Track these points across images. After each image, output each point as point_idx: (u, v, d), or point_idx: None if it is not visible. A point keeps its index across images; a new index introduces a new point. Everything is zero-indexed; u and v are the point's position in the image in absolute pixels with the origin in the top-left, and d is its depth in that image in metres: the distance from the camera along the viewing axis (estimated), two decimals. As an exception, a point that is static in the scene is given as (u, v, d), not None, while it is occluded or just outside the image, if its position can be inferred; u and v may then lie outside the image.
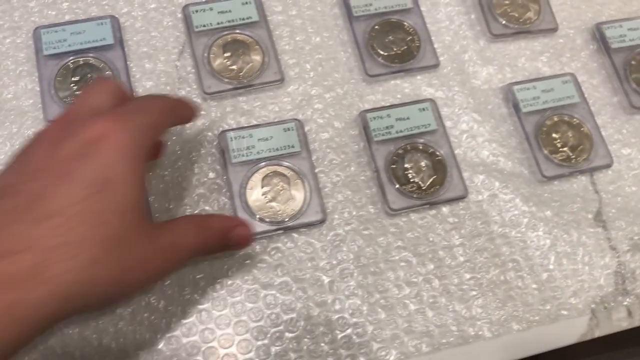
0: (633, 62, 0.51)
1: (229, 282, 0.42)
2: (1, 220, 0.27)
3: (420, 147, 0.46)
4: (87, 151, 0.29)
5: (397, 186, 0.44)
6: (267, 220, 0.43)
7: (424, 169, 0.46)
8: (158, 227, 0.34)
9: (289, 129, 0.45)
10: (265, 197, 0.43)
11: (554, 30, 0.52)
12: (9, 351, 0.27)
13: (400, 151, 0.46)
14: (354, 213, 0.45)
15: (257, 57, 0.48)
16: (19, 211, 0.28)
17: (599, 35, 0.52)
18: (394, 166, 0.45)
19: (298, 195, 0.44)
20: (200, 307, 0.41)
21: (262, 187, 0.44)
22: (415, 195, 0.45)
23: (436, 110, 0.47)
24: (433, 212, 0.45)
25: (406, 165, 0.46)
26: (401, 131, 0.46)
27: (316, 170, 0.45)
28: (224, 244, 0.37)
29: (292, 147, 0.45)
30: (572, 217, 0.46)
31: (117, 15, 0.48)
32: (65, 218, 0.27)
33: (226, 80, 0.47)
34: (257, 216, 0.43)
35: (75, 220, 0.28)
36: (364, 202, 0.45)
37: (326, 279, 0.43)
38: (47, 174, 0.29)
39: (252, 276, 0.42)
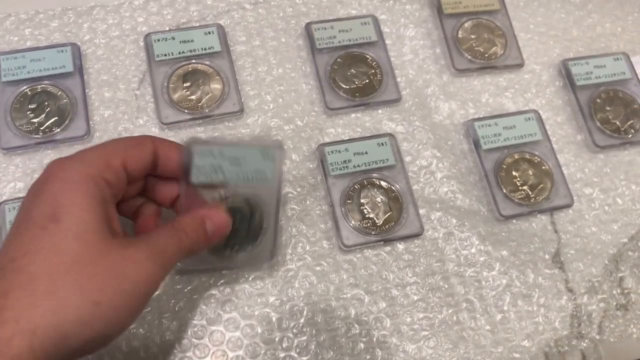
0: (598, 100, 0.51)
1: (174, 317, 0.41)
2: None
3: (377, 183, 0.46)
4: (38, 192, 0.31)
5: (352, 222, 0.44)
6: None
7: (379, 204, 0.45)
8: (131, 241, 0.32)
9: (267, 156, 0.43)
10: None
11: (520, 65, 0.52)
12: None
13: (356, 186, 0.45)
14: (307, 248, 0.44)
15: (217, 88, 0.48)
16: None
17: (564, 72, 0.52)
18: (349, 201, 0.45)
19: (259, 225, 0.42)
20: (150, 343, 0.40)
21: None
22: (370, 232, 0.44)
23: (395, 145, 0.47)
24: (388, 248, 0.45)
25: (362, 201, 0.45)
26: (358, 166, 0.46)
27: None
28: (204, 238, 0.35)
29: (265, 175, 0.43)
30: (529, 257, 0.45)
31: (79, 43, 0.48)
32: (19, 261, 0.29)
33: (184, 110, 0.47)
34: None
35: (27, 260, 0.29)
36: (318, 237, 0.44)
37: (275, 316, 0.42)
38: (12, 232, 0.30)
39: (199, 312, 0.41)
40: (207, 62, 0.48)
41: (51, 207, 0.30)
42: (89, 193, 0.31)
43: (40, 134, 0.45)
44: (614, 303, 0.45)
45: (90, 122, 0.46)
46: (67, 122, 0.46)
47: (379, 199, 0.45)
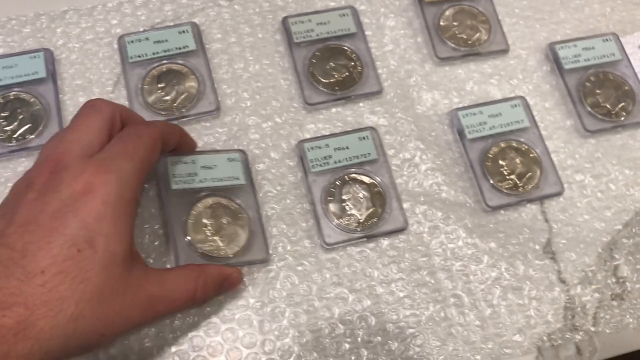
0: (587, 84, 0.49)
1: (153, 324, 0.40)
2: None
3: (359, 178, 0.44)
4: (72, 207, 0.30)
5: (334, 219, 0.43)
6: (209, 255, 0.41)
7: (362, 200, 0.44)
8: (147, 277, 0.34)
9: (233, 159, 0.44)
10: (207, 230, 0.42)
11: (505, 51, 0.50)
12: None
13: (338, 182, 0.44)
14: (289, 248, 0.43)
15: (192, 88, 0.47)
16: (11, 264, 0.29)
17: (552, 56, 0.50)
18: (330, 198, 0.44)
19: (243, 230, 0.42)
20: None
21: (205, 219, 0.42)
22: (353, 229, 0.43)
23: (377, 139, 0.46)
24: (371, 245, 0.43)
25: (344, 197, 0.44)
26: (340, 161, 0.45)
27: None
28: (216, 294, 0.39)
29: (237, 178, 0.43)
30: (519, 248, 0.44)
31: (52, 48, 0.48)
32: (49, 277, 0.29)
33: (159, 111, 0.46)
34: (199, 251, 0.41)
35: (58, 279, 0.29)
36: (300, 236, 0.43)
37: (256, 319, 0.41)
38: (36, 229, 0.30)
39: (178, 317, 0.40)
40: (182, 62, 0.47)
41: (89, 231, 0.30)
42: (123, 220, 0.32)
43: (14, 141, 0.44)
44: (609, 293, 0.43)
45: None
46: (40, 128, 0.45)
47: (361, 195, 0.44)
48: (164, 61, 0.47)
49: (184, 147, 0.42)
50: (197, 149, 0.44)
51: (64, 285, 0.29)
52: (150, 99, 0.46)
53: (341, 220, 0.43)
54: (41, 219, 0.30)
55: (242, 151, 0.44)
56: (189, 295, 0.36)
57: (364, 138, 0.46)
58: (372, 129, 0.46)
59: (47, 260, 0.29)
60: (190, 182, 0.42)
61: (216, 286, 0.38)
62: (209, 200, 0.42)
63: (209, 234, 0.41)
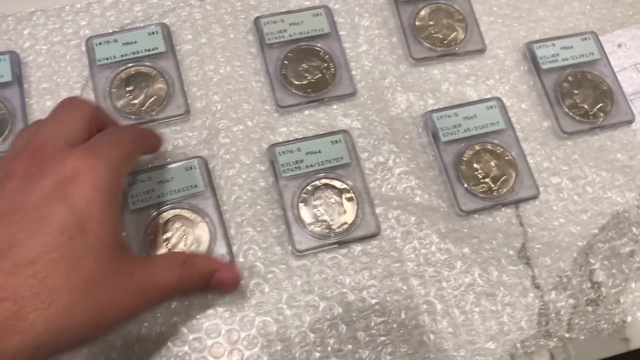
0: (565, 84, 0.48)
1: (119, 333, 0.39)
2: None
3: (331, 183, 0.44)
4: (60, 193, 0.29)
5: (306, 226, 0.42)
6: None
7: (334, 205, 0.43)
8: (135, 264, 0.33)
9: (190, 168, 0.43)
10: (167, 244, 0.41)
11: (481, 51, 0.49)
12: None
13: (309, 187, 0.43)
14: (259, 255, 0.42)
15: (161, 90, 0.46)
16: None
17: (529, 55, 0.49)
18: (302, 204, 0.43)
19: (204, 237, 0.41)
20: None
21: (163, 233, 0.41)
22: (324, 235, 0.42)
23: (350, 142, 0.45)
24: (344, 251, 0.43)
25: (315, 202, 0.43)
26: (312, 165, 0.44)
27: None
28: (204, 285, 0.37)
29: (196, 186, 0.43)
30: (492, 253, 0.43)
31: (19, 51, 0.46)
32: (40, 266, 0.27)
33: (128, 115, 0.45)
34: None
35: (50, 268, 0.28)
36: (270, 242, 0.43)
37: (225, 328, 0.40)
38: (21, 218, 0.29)
39: (143, 318, 0.40)
40: (151, 64, 0.46)
41: (80, 216, 0.29)
42: (112, 206, 0.31)
43: (-22, 147, 0.43)
44: (584, 298, 0.43)
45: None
46: (6, 133, 0.44)
47: (333, 200, 0.43)
48: (133, 64, 0.46)
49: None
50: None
51: (55, 274, 0.28)
52: (118, 101, 0.45)
53: (313, 226, 0.42)
54: (26, 207, 0.29)
55: (201, 157, 0.43)
56: (174, 281, 0.34)
57: (336, 142, 0.45)
58: (344, 132, 0.45)
59: (37, 249, 0.28)
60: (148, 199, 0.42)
61: (202, 276, 0.37)
62: (169, 214, 0.42)
63: (169, 248, 0.41)
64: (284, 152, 0.44)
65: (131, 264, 0.32)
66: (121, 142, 0.34)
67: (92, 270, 0.29)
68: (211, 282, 0.37)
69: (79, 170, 0.30)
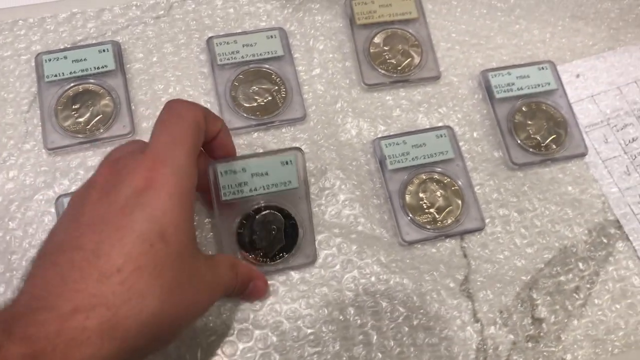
0: (518, 114, 0.48)
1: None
2: (72, 275, 0.28)
3: (274, 209, 0.43)
4: (138, 202, 0.30)
5: (242, 253, 0.41)
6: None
7: (273, 233, 0.42)
8: (202, 263, 0.33)
9: None
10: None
11: (436, 78, 0.49)
12: None
13: (251, 213, 0.43)
14: (196, 279, 0.41)
15: (107, 108, 0.45)
16: (86, 266, 0.28)
17: (484, 84, 0.49)
18: (240, 231, 0.42)
19: None
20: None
21: None
22: (262, 262, 0.42)
23: (302, 165, 0.44)
24: (282, 279, 0.42)
25: (254, 229, 0.42)
26: (255, 190, 0.43)
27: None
28: (242, 291, 0.39)
29: None
30: (432, 285, 0.43)
31: (-32, 64, 0.46)
32: (126, 274, 0.28)
33: (74, 134, 0.45)
34: None
35: (136, 276, 0.29)
36: (208, 267, 0.42)
37: (155, 354, 0.40)
38: (105, 227, 0.29)
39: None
40: (98, 82, 0.46)
41: (159, 224, 0.30)
42: (187, 209, 0.32)
43: None
44: (524, 334, 0.42)
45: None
46: (-52, 148, 0.44)
47: (273, 227, 0.43)
48: (82, 81, 0.46)
49: (223, 144, 0.40)
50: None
51: (141, 282, 0.29)
52: (64, 120, 0.45)
53: (250, 253, 0.42)
54: (109, 217, 0.30)
55: (297, 149, 0.43)
56: (231, 281, 0.36)
57: (287, 162, 0.44)
58: (297, 149, 0.44)
59: (122, 257, 0.28)
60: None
61: (245, 282, 0.38)
62: None
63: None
64: (226, 172, 0.43)
65: (202, 264, 0.33)
66: (183, 135, 0.34)
67: (174, 275, 0.30)
68: (248, 289, 0.39)
69: (150, 181, 0.30)
